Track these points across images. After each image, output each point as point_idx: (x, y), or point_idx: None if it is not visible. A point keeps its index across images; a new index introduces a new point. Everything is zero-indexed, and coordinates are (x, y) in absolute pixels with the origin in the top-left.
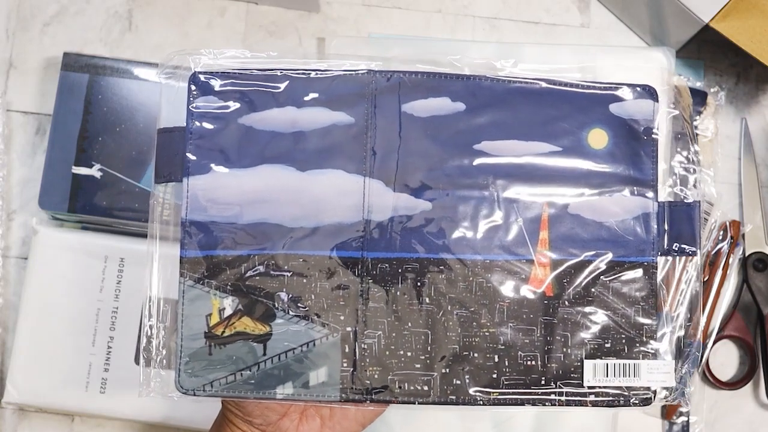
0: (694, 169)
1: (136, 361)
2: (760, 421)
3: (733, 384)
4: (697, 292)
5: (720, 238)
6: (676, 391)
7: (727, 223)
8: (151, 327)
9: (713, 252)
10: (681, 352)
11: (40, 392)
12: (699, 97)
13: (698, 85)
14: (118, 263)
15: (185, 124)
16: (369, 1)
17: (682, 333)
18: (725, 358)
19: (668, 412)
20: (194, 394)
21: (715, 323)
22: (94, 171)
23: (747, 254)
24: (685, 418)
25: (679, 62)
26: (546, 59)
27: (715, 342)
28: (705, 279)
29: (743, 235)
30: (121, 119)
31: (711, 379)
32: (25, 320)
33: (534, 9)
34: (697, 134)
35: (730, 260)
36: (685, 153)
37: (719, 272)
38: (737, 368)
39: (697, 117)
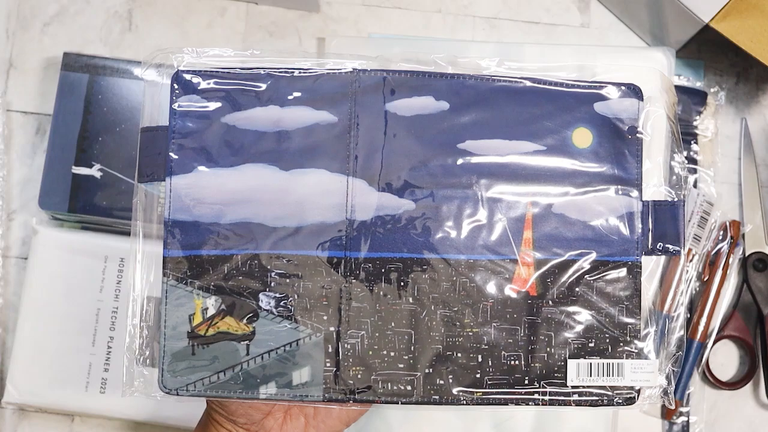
0: (693, 169)
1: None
2: (760, 421)
3: (733, 384)
4: (682, 290)
5: (720, 238)
6: (660, 390)
7: (727, 223)
8: (134, 326)
9: (713, 252)
10: (667, 351)
11: (40, 392)
12: (699, 97)
13: (698, 85)
14: (118, 263)
15: (168, 123)
16: (369, 1)
17: (681, 333)
18: (725, 358)
19: (668, 412)
20: (177, 394)
21: (715, 323)
22: (94, 171)
23: (747, 254)
24: (685, 418)
25: (679, 62)
26: (546, 59)
27: (715, 342)
28: (705, 279)
29: (743, 235)
30: (121, 119)
31: (711, 379)
32: (25, 320)
33: (534, 9)
34: (697, 134)
35: (730, 260)
36: (681, 153)
37: (719, 272)
38: (737, 368)
39: (697, 117)
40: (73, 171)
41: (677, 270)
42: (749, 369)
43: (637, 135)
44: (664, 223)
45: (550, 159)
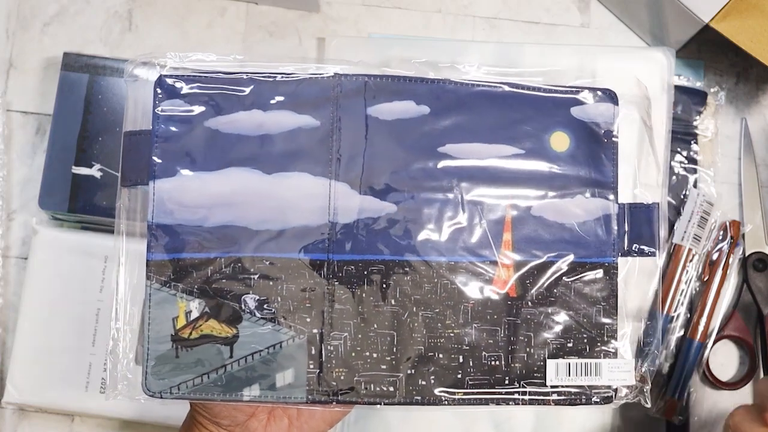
0: (693, 169)
1: (137, 362)
2: None
3: (733, 384)
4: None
5: (720, 238)
6: (636, 389)
7: (727, 223)
8: (117, 330)
9: (713, 252)
10: (641, 351)
11: (40, 392)
12: (699, 97)
13: (698, 85)
14: None
15: (151, 127)
16: (369, 1)
17: (681, 333)
18: (725, 358)
19: (668, 412)
20: (161, 397)
21: (715, 323)
22: (94, 171)
23: (747, 254)
24: (686, 418)
25: (679, 62)
26: (546, 59)
27: (715, 342)
28: (705, 279)
29: (743, 235)
30: (121, 119)
31: (711, 379)
32: (25, 320)
33: (534, 9)
34: (697, 134)
35: (730, 260)
36: (656, 156)
37: (719, 272)
38: (737, 368)
39: (697, 117)
40: (73, 171)
41: (677, 269)
42: (749, 369)
43: (613, 139)
44: (640, 226)
45: (529, 162)
